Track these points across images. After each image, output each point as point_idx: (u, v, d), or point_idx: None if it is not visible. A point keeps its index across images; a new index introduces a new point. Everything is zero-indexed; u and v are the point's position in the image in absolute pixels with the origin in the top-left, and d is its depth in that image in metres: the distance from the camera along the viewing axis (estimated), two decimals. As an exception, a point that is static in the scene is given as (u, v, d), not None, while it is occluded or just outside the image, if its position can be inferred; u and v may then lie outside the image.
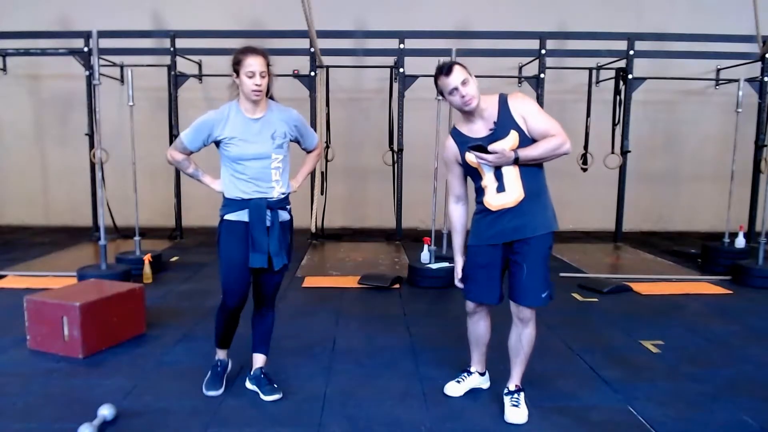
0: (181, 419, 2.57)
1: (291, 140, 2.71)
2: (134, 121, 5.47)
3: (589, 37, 7.03)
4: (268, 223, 2.60)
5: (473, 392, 2.85)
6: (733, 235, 5.85)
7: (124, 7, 7.62)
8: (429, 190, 5.44)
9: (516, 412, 2.58)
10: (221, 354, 2.90)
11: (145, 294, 3.72)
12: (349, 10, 7.73)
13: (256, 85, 2.48)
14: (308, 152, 2.90)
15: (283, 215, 2.69)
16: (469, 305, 2.73)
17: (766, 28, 6.20)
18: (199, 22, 7.24)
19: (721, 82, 7.86)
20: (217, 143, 2.59)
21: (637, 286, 4.97)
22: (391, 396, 2.82)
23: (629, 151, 6.98)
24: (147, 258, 5.01)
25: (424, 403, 2.76)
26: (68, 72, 7.47)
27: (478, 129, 2.52)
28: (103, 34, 4.89)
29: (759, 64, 6.87)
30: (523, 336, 2.61)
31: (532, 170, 2.48)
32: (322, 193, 7.14)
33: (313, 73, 6.81)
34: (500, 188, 2.49)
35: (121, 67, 7.56)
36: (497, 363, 2.92)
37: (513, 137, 2.44)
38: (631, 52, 6.81)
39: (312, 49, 6.68)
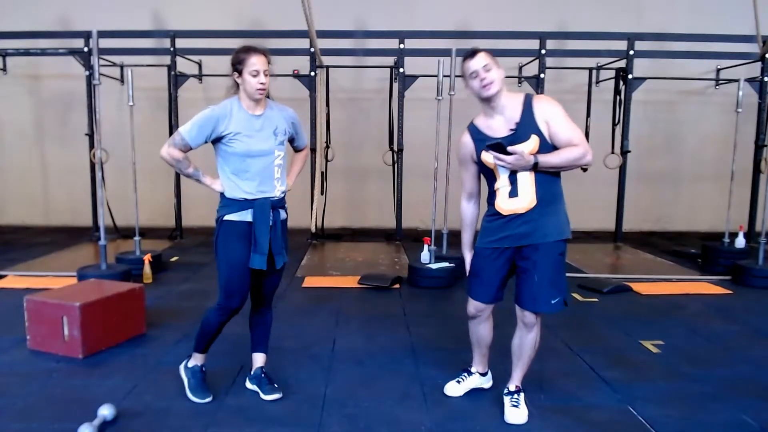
0: (181, 419, 2.57)
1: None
2: (134, 121, 5.48)
3: (589, 37, 7.03)
4: (270, 223, 2.60)
5: (473, 392, 2.85)
6: (733, 235, 5.85)
7: (124, 7, 7.62)
8: (429, 190, 5.43)
9: (516, 413, 2.58)
10: (200, 359, 2.80)
11: (145, 294, 3.72)
12: (349, 10, 7.73)
13: (261, 83, 2.48)
14: (297, 151, 2.92)
15: (283, 214, 2.71)
16: (471, 309, 2.70)
17: (766, 28, 6.20)
18: (199, 22, 7.24)
19: (721, 82, 7.87)
20: (219, 140, 2.55)
21: (637, 286, 4.97)
22: (391, 396, 2.82)
23: (629, 151, 6.99)
24: (147, 258, 5.02)
25: (424, 403, 2.76)
26: (68, 72, 7.48)
27: (498, 127, 2.44)
28: (103, 34, 4.89)
29: (759, 64, 6.88)
30: (526, 340, 2.60)
31: (547, 177, 2.41)
32: (322, 193, 7.14)
33: (313, 73, 6.81)
34: (513, 193, 2.42)
35: (121, 67, 7.56)
36: (498, 363, 2.92)
37: (533, 141, 2.37)
38: (631, 52, 6.82)
39: (312, 49, 6.68)
